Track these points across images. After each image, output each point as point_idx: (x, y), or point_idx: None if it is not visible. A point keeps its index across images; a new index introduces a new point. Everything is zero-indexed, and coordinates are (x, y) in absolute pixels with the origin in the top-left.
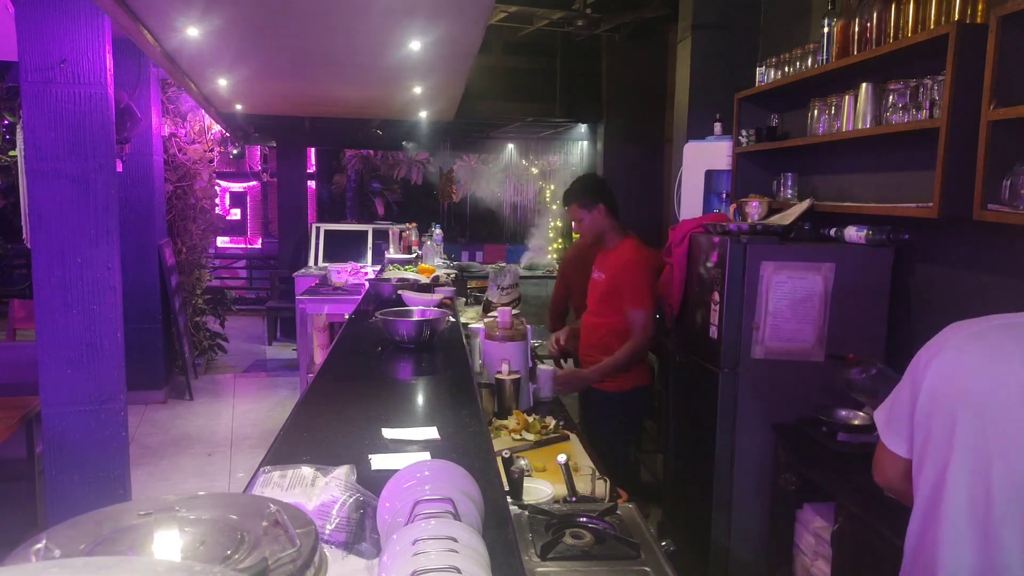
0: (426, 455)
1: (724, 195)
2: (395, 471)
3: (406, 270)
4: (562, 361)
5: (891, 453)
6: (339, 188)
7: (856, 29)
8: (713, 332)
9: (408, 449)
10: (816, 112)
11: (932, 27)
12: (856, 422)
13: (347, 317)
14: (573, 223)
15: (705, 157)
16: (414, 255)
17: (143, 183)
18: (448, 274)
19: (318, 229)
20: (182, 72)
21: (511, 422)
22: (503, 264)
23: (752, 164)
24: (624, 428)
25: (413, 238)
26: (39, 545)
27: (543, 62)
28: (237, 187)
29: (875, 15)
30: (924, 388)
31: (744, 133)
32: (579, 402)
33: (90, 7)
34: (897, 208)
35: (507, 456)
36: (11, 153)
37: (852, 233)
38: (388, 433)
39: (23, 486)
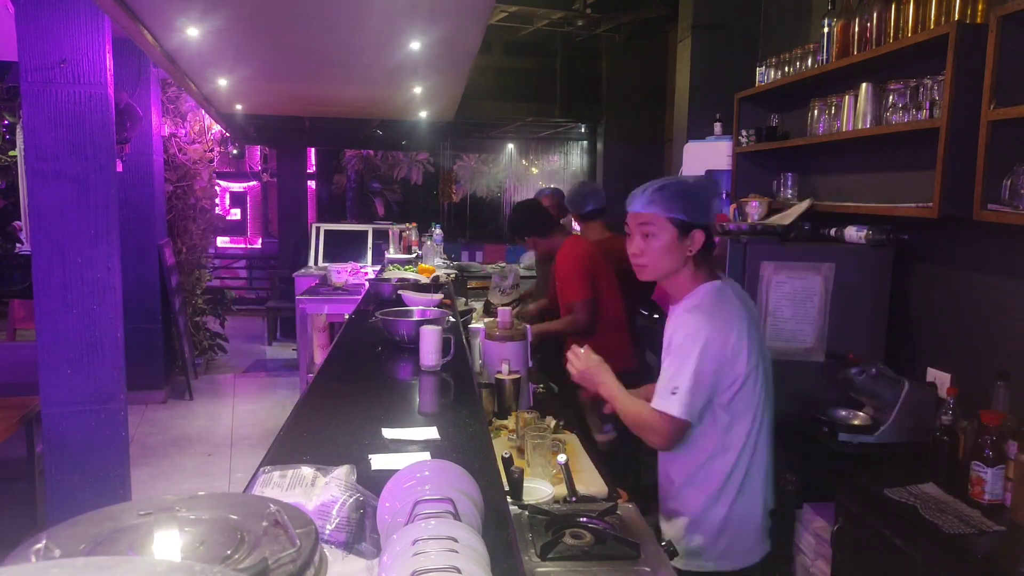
0: (426, 455)
1: (724, 195)
2: (395, 471)
3: (406, 270)
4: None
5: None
6: (339, 188)
7: (856, 29)
8: None
9: (408, 449)
10: (816, 112)
11: (932, 27)
12: (856, 422)
13: (347, 317)
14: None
15: (705, 157)
16: (414, 255)
17: (143, 183)
18: (448, 274)
19: (318, 229)
20: (182, 72)
21: (511, 422)
22: (503, 264)
23: (752, 164)
24: (613, 417)
25: (413, 238)
26: (39, 545)
27: (543, 62)
28: (237, 187)
29: (875, 15)
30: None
31: (744, 133)
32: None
33: (90, 7)
34: (897, 208)
35: (507, 456)
36: (11, 153)
37: (852, 233)
38: (388, 433)
39: (23, 486)
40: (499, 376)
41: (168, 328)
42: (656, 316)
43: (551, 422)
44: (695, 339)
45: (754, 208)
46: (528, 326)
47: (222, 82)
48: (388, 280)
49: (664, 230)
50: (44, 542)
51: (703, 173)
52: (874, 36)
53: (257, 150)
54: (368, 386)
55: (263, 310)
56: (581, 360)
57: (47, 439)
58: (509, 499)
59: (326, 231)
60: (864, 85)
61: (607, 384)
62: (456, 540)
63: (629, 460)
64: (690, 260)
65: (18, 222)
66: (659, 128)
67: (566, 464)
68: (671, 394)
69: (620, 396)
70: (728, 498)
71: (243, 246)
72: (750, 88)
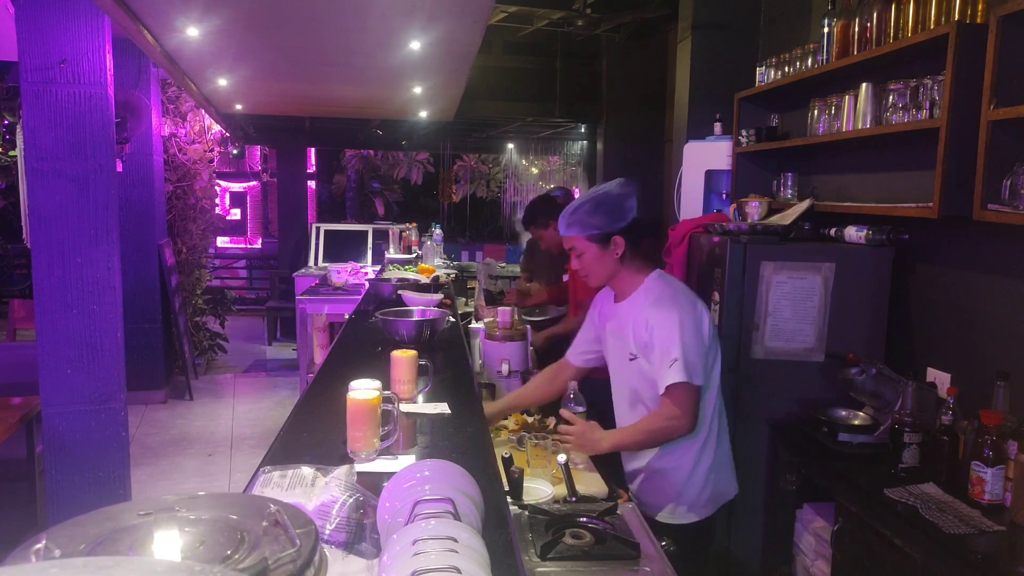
0: (426, 455)
1: (724, 195)
2: (395, 471)
3: (406, 270)
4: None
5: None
6: (339, 188)
7: (856, 29)
8: None
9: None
10: (816, 112)
11: (932, 27)
12: (856, 422)
13: (347, 317)
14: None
15: (705, 157)
16: (414, 255)
17: (143, 183)
18: (448, 274)
19: (318, 229)
20: (182, 72)
21: (511, 422)
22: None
23: (752, 164)
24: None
25: (413, 238)
26: (39, 545)
27: (543, 62)
28: (237, 187)
29: (875, 15)
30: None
31: (744, 133)
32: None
33: (90, 7)
34: (897, 208)
35: (507, 456)
36: (11, 153)
37: (852, 233)
38: None
39: (23, 486)
40: (499, 376)
41: (168, 328)
42: None
43: (551, 422)
44: (669, 322)
45: (754, 208)
46: (529, 327)
47: (222, 82)
48: (388, 280)
49: (587, 247)
50: (44, 542)
51: (703, 173)
52: (874, 36)
53: (257, 150)
54: None
55: (263, 310)
56: (574, 431)
57: (47, 439)
58: (509, 499)
59: (326, 231)
60: (864, 85)
61: (607, 439)
62: (456, 540)
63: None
64: (622, 261)
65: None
66: (659, 128)
67: (566, 464)
68: (669, 367)
69: (624, 435)
70: (706, 462)
71: (243, 246)
72: (750, 88)
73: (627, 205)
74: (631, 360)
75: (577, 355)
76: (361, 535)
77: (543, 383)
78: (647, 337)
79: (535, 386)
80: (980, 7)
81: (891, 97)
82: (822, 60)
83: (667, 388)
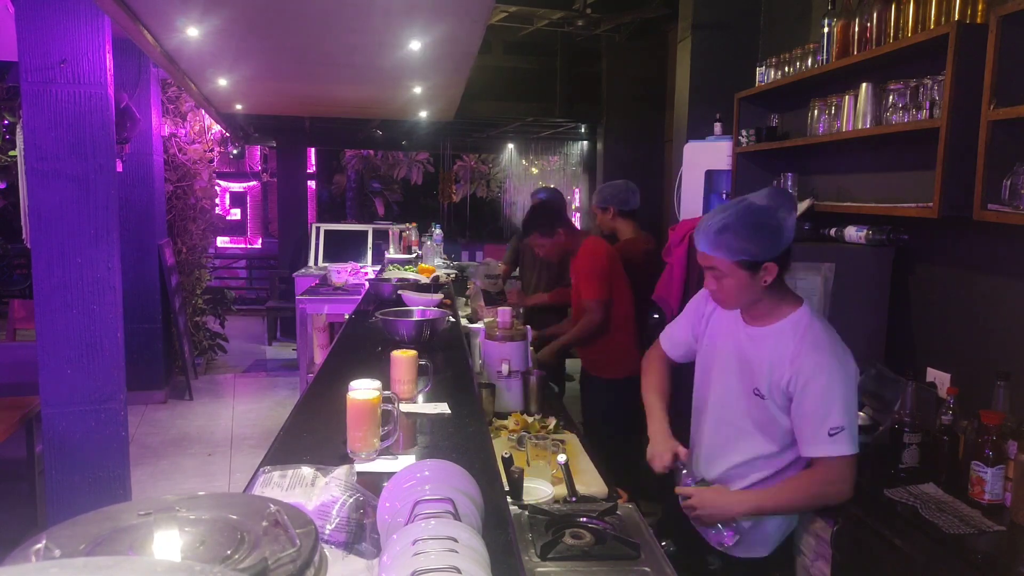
0: (426, 455)
1: (724, 195)
2: (395, 471)
3: (406, 270)
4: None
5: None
6: (339, 188)
7: (856, 29)
8: None
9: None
10: (816, 112)
11: (932, 27)
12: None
13: (347, 317)
14: (538, 249)
15: (705, 157)
16: (414, 255)
17: (143, 183)
18: (448, 274)
19: (318, 229)
20: (182, 72)
21: (511, 422)
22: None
23: (752, 164)
24: (619, 417)
25: (413, 238)
26: (39, 545)
27: (543, 62)
28: (237, 187)
29: (875, 15)
30: None
31: (744, 133)
32: (580, 394)
33: (90, 7)
34: (897, 208)
35: (507, 456)
36: (11, 153)
37: (852, 233)
38: None
39: (23, 486)
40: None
41: (168, 328)
42: (656, 316)
43: (551, 422)
44: (832, 379)
45: None
46: (529, 327)
47: (222, 82)
48: (388, 280)
49: (733, 273)
50: (44, 542)
51: (703, 173)
52: (874, 36)
53: (257, 150)
54: None
55: (263, 310)
56: (696, 502)
57: (47, 439)
58: (509, 499)
59: (326, 231)
60: (864, 85)
61: (740, 503)
62: (456, 540)
63: (631, 451)
64: (767, 288)
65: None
66: (659, 128)
67: (566, 464)
68: (830, 436)
69: (767, 496)
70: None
71: (243, 246)
72: (750, 88)
73: (787, 226)
74: (755, 395)
75: (675, 348)
76: (361, 535)
77: (664, 375)
78: (794, 384)
79: (661, 378)
80: (980, 7)
81: (891, 97)
82: (822, 60)
83: (826, 458)
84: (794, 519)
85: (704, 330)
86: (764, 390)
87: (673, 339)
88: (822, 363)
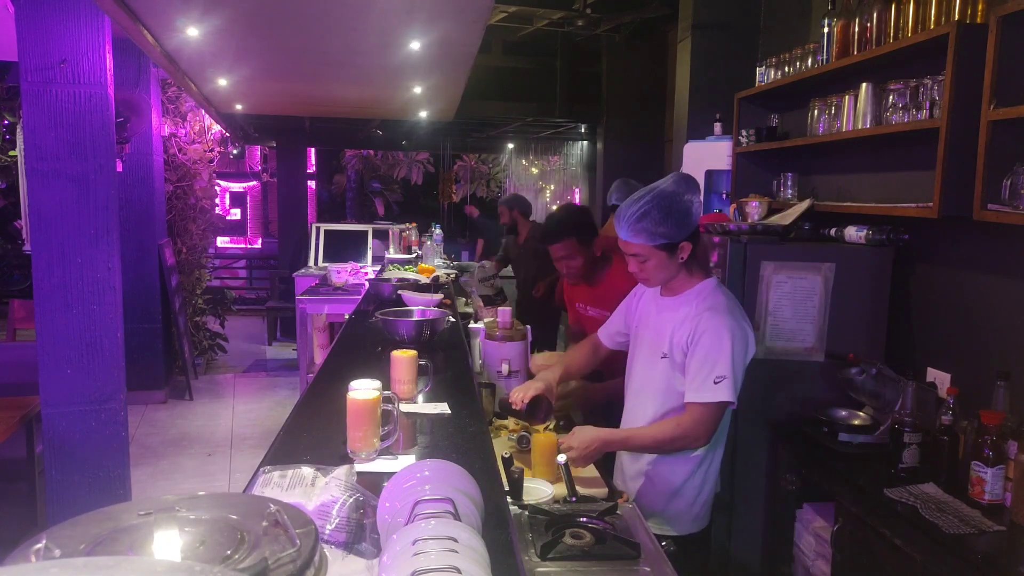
0: (426, 455)
1: (724, 195)
2: (395, 471)
3: (406, 270)
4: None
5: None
6: (339, 188)
7: (856, 29)
8: None
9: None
10: (816, 112)
11: (932, 27)
12: (856, 422)
13: (347, 317)
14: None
15: (705, 157)
16: (414, 255)
17: (143, 183)
18: (448, 274)
19: (318, 229)
20: (182, 72)
21: (511, 422)
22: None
23: (752, 164)
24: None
25: (413, 238)
26: (39, 545)
27: (543, 62)
28: (237, 187)
29: (875, 15)
30: None
31: (744, 133)
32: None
33: (90, 7)
34: (897, 208)
35: (507, 456)
36: (11, 153)
37: (852, 233)
38: None
39: (23, 486)
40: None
41: (168, 328)
42: None
43: (552, 422)
44: (722, 335)
45: (754, 208)
46: (528, 327)
47: (222, 82)
48: (388, 280)
49: (652, 254)
50: (44, 542)
51: (703, 173)
52: (874, 36)
53: (257, 150)
54: None
55: (263, 310)
56: (573, 443)
57: (47, 439)
58: (509, 499)
59: (326, 231)
60: (864, 85)
61: (607, 439)
62: (456, 540)
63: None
64: (683, 264)
65: (19, 222)
66: (659, 128)
67: (566, 464)
68: (715, 384)
69: (630, 435)
70: (703, 470)
71: (243, 246)
72: (750, 88)
73: (695, 210)
74: (662, 359)
75: (609, 336)
76: (361, 535)
77: (587, 353)
78: (689, 341)
79: (581, 355)
80: (980, 7)
81: (891, 97)
82: (822, 60)
83: (704, 403)
84: (710, 487)
85: (634, 318)
86: (666, 351)
87: (607, 327)
88: (718, 321)
